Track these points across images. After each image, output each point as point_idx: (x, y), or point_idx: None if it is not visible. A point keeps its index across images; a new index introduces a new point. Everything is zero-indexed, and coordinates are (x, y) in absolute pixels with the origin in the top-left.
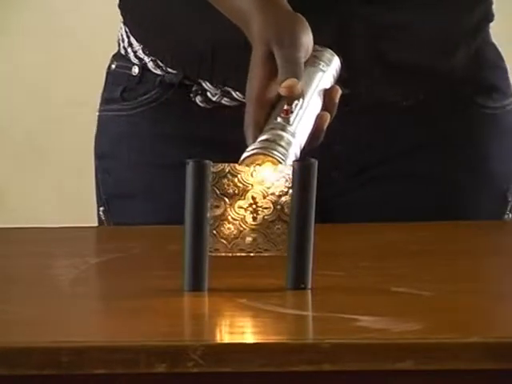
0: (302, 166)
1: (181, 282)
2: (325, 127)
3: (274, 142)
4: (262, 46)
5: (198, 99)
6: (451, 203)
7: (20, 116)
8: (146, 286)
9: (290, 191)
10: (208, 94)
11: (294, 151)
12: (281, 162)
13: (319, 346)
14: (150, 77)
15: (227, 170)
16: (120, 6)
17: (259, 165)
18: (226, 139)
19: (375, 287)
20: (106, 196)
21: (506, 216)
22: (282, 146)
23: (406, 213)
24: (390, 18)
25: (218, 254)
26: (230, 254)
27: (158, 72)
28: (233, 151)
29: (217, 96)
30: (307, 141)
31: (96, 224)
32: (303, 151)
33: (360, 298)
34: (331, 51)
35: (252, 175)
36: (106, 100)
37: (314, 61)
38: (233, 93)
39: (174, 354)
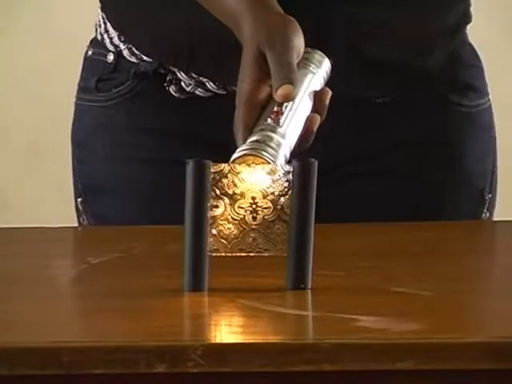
0: (301, 166)
1: (181, 282)
2: (315, 129)
3: (263, 143)
4: (253, 47)
5: (172, 89)
6: (427, 202)
7: (20, 116)
8: (145, 285)
9: (290, 191)
10: (182, 83)
11: (284, 152)
12: (270, 164)
13: (319, 346)
14: (125, 65)
15: (227, 170)
16: None
17: (249, 166)
18: (199, 132)
19: (375, 287)
20: (83, 187)
21: (484, 215)
22: (272, 147)
23: (381, 212)
24: (368, 16)
25: (218, 254)
26: (230, 254)
27: (133, 60)
28: (208, 144)
29: (191, 86)
30: (297, 142)
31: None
32: (293, 153)
33: (360, 298)
34: (321, 53)
35: (252, 175)
36: (81, 88)
37: (304, 63)
38: (207, 84)
39: (174, 354)
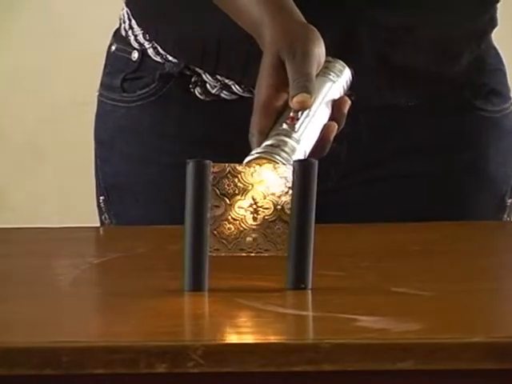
0: (302, 166)
1: (181, 282)
2: (331, 137)
3: (278, 148)
4: (273, 54)
5: (197, 91)
6: (449, 206)
7: (20, 116)
8: (146, 286)
9: (290, 191)
10: (207, 85)
11: (298, 158)
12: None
13: (319, 346)
14: (150, 64)
15: (227, 170)
16: None
17: (259, 165)
18: (222, 135)
19: (375, 287)
20: (105, 185)
21: (504, 220)
22: (286, 152)
23: (401, 214)
24: (396, 22)
25: (218, 254)
26: (230, 254)
27: (158, 59)
28: (231, 148)
29: (216, 88)
30: (312, 149)
31: (96, 224)
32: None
33: (360, 298)
34: (342, 63)
35: (252, 175)
36: (105, 85)
37: (324, 71)
38: (233, 86)
39: (174, 354)
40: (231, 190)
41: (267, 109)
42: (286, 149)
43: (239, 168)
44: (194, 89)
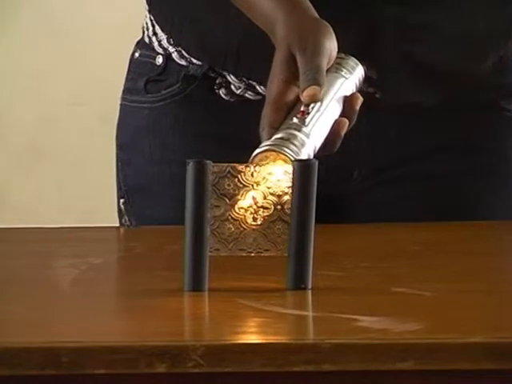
0: (302, 166)
1: (181, 282)
2: (342, 133)
3: (287, 141)
4: (284, 48)
5: (221, 92)
6: (469, 205)
7: (20, 116)
8: (146, 286)
9: (291, 191)
10: (232, 86)
11: (308, 152)
12: (292, 160)
13: (319, 346)
14: (174, 67)
15: (227, 170)
16: None
17: (269, 162)
18: (247, 135)
19: (375, 287)
20: (126, 187)
21: None
22: (295, 145)
23: (422, 213)
24: (418, 19)
25: (218, 254)
26: (230, 254)
27: (183, 63)
28: (254, 149)
29: (240, 89)
30: (323, 144)
31: (95, 224)
32: (318, 154)
33: (360, 298)
34: (355, 60)
35: (252, 175)
36: (128, 90)
37: (336, 67)
38: (257, 86)
39: (174, 354)
40: (231, 190)
41: (278, 103)
42: (296, 142)
43: (239, 168)
44: (218, 90)
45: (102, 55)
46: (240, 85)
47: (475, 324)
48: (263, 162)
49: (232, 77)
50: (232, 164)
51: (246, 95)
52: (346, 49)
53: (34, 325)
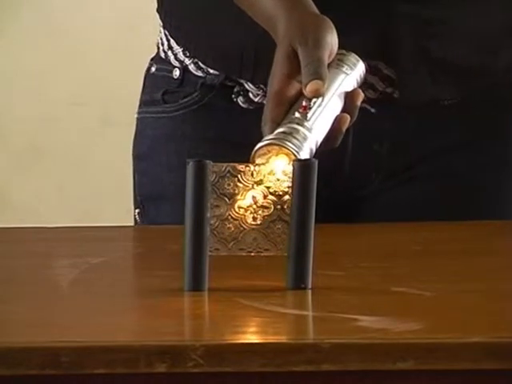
0: (302, 166)
1: (181, 282)
2: (344, 129)
3: (290, 135)
4: (285, 43)
5: (239, 100)
6: (489, 204)
7: (20, 116)
8: (146, 285)
9: (291, 191)
10: (250, 94)
11: (310, 146)
12: (295, 154)
13: (319, 346)
14: (192, 79)
15: (227, 170)
16: (159, 10)
17: (271, 156)
18: None
19: (375, 287)
20: (141, 198)
21: None
22: (297, 139)
23: (441, 212)
24: (434, 15)
25: (218, 254)
26: (230, 254)
27: (200, 74)
28: None
29: (259, 96)
30: (324, 140)
31: (95, 223)
32: (319, 149)
33: (360, 298)
34: (356, 56)
35: (252, 175)
36: (145, 102)
37: (337, 63)
38: None
39: (174, 354)
40: (231, 190)
41: (280, 98)
42: (298, 136)
43: (239, 168)
44: (236, 98)
45: (102, 55)
46: (258, 92)
47: (475, 324)
48: (266, 156)
49: (250, 85)
50: (232, 164)
51: (264, 102)
52: (363, 48)
53: (34, 325)
